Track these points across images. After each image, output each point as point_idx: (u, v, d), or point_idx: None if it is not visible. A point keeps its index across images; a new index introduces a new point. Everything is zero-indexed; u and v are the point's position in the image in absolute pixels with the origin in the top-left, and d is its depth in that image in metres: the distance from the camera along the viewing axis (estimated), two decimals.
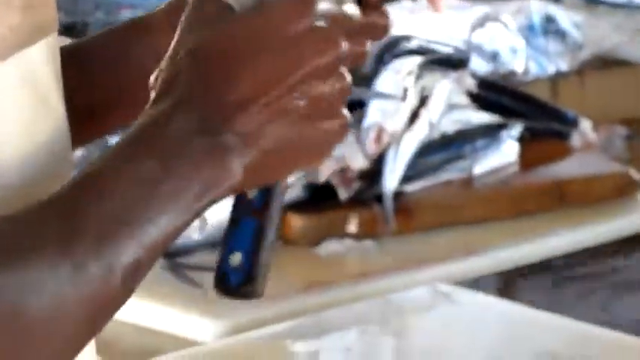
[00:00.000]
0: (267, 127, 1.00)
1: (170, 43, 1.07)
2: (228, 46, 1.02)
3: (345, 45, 1.00)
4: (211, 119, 1.00)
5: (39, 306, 0.96)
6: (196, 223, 1.75)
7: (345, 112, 1.00)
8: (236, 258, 1.00)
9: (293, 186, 1.79)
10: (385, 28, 1.08)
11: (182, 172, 0.98)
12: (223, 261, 1.00)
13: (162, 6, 1.24)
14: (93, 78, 1.19)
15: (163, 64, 1.03)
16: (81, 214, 0.97)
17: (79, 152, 1.85)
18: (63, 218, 0.97)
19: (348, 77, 1.00)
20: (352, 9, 1.06)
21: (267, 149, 1.00)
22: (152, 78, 1.02)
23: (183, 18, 1.05)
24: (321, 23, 1.00)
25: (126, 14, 3.18)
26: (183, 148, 0.99)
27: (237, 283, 1.00)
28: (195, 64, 1.02)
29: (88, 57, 1.21)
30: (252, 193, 1.02)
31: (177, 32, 1.04)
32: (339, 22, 1.02)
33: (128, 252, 0.97)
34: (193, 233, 1.75)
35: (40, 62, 1.03)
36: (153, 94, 1.01)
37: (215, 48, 1.02)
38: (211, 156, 0.99)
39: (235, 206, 1.02)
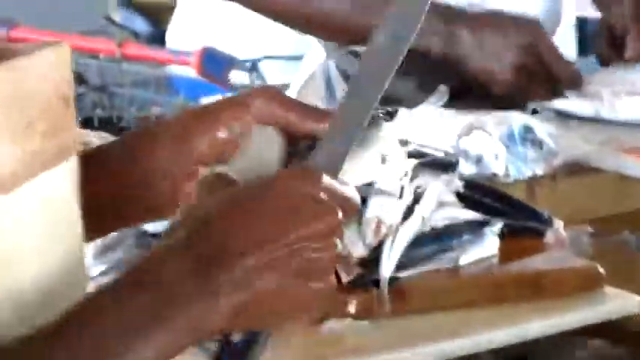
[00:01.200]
0: (258, 278, 0.98)
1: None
2: (234, 207, 1.01)
3: (340, 218, 1.03)
4: (206, 263, 0.97)
5: None
6: None
7: (332, 277, 1.03)
8: None
9: None
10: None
11: (172, 311, 0.96)
12: None
13: (170, 117, 1.23)
14: (112, 178, 1.17)
15: (179, 217, 1.03)
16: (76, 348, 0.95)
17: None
18: (63, 349, 0.94)
19: (339, 247, 1.02)
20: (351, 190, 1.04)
21: (256, 298, 0.98)
22: (169, 225, 1.03)
23: (196, 190, 1.04)
24: (323, 196, 0.99)
25: (155, 110, 3.19)
26: (175, 287, 0.97)
27: None
28: (204, 219, 1.00)
29: (109, 159, 1.18)
30: (237, 337, 1.00)
31: (193, 202, 1.03)
32: (337, 197, 1.00)
33: None
34: None
35: (60, 183, 1.00)
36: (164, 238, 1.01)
37: (223, 207, 1.02)
38: (201, 296, 0.96)
39: (221, 347, 1.00)
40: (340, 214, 1.03)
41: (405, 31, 1.19)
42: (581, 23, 3.16)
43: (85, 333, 0.95)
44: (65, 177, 1.00)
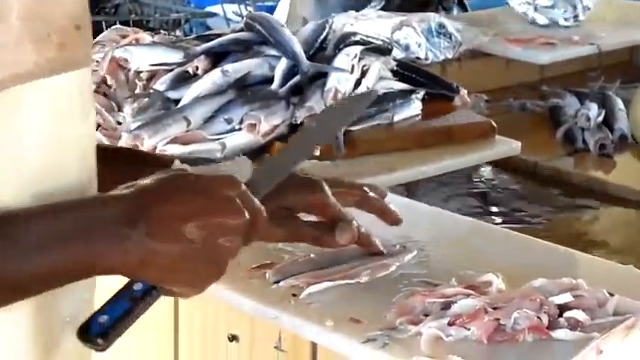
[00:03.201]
0: (167, 241, 0.89)
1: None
2: (175, 185, 0.92)
3: (246, 222, 0.92)
4: (133, 215, 0.89)
5: None
6: (219, 146, 1.70)
7: (224, 267, 0.91)
8: (103, 319, 0.90)
9: (279, 126, 1.75)
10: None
11: (93, 237, 0.88)
12: (94, 315, 0.91)
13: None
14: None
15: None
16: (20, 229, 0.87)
17: None
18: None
19: (239, 244, 0.92)
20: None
21: (159, 257, 0.89)
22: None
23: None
24: (238, 199, 0.92)
25: (173, 15, 3.11)
26: (103, 224, 0.89)
27: (96, 333, 0.91)
28: (147, 185, 0.92)
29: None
30: (137, 285, 0.93)
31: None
32: (249, 206, 0.93)
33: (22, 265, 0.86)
34: (217, 152, 1.70)
35: (69, 87, 0.93)
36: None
37: (164, 180, 0.93)
38: (119, 238, 0.88)
39: (125, 286, 0.93)
40: (247, 217, 0.92)
41: (344, 118, 1.20)
42: None
43: (30, 224, 0.87)
44: (75, 81, 0.93)
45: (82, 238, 0.88)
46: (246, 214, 0.92)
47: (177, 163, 1.01)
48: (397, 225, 1.27)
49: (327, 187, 1.18)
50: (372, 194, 1.25)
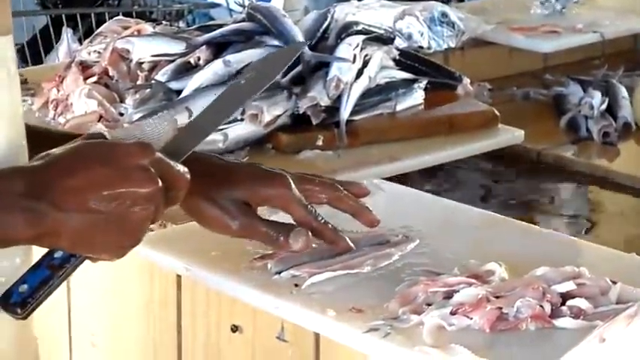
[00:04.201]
0: (78, 212, 0.88)
1: None
2: (82, 155, 0.91)
3: (159, 189, 0.90)
4: (40, 190, 0.88)
5: None
6: (221, 136, 1.70)
7: (141, 235, 0.89)
8: (23, 288, 0.90)
9: (282, 116, 1.75)
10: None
11: None
12: (15, 284, 0.91)
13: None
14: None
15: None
16: None
17: None
18: None
19: (155, 210, 0.90)
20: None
21: (71, 229, 0.88)
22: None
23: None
24: (152, 167, 0.90)
25: (176, 7, 3.12)
26: (6, 196, 0.88)
27: (14, 302, 0.90)
28: (54, 156, 0.91)
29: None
30: (58, 253, 0.92)
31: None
32: (166, 172, 0.91)
33: None
34: (219, 143, 1.70)
35: None
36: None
37: (74, 153, 0.91)
38: (22, 211, 0.87)
39: (45, 254, 0.93)
40: (160, 184, 0.90)
41: (270, 73, 1.15)
42: None
43: None
44: None
45: None
46: (159, 182, 0.91)
47: (97, 127, 1.00)
48: (374, 226, 1.22)
49: (291, 182, 1.14)
50: (344, 193, 1.20)
